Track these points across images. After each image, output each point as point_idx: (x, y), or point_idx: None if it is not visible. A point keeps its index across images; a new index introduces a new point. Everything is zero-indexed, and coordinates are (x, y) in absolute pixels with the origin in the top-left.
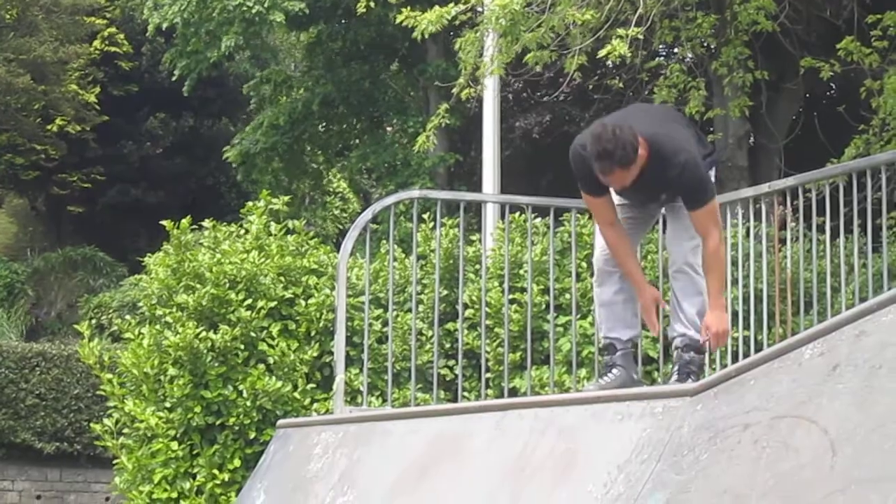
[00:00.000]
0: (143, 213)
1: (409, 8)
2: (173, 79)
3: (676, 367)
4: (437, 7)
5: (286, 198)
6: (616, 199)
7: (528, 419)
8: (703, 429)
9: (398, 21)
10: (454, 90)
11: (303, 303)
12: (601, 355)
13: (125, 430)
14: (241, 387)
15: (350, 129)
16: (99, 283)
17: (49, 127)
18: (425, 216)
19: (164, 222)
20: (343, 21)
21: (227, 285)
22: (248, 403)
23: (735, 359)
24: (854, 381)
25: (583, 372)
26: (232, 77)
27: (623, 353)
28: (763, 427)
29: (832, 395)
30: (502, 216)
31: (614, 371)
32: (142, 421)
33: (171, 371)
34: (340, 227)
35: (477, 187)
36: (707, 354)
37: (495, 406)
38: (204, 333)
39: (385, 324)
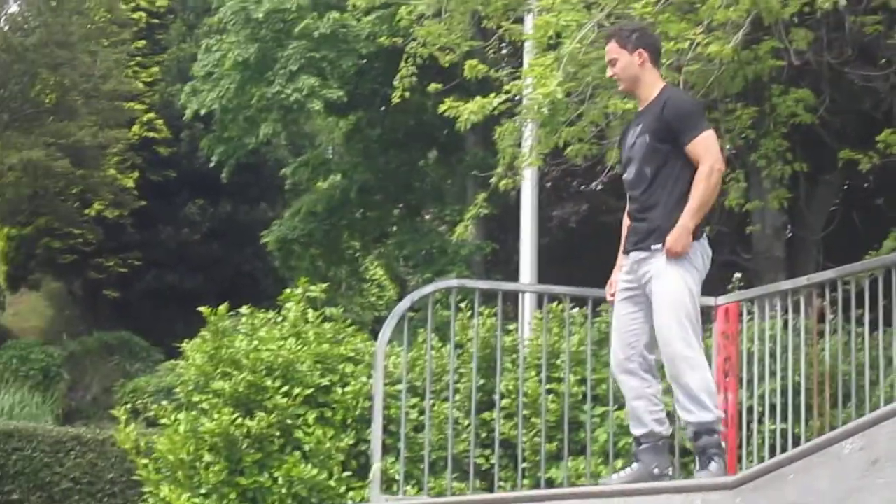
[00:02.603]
0: (180, 298)
1: (451, 98)
2: (211, 164)
3: (697, 458)
4: (478, 98)
5: (324, 285)
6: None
7: None
8: None
9: (441, 111)
10: (492, 180)
11: (339, 390)
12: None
13: None
14: (276, 474)
15: (387, 216)
16: (135, 367)
17: (87, 211)
18: (462, 305)
19: (201, 308)
20: (381, 109)
21: (264, 372)
22: (284, 491)
23: (773, 452)
24: (894, 475)
25: (619, 463)
26: (269, 163)
27: (644, 448)
28: None
29: (872, 489)
30: (539, 306)
31: (633, 465)
32: None
33: (207, 457)
34: (377, 313)
35: (514, 276)
36: (744, 446)
37: (533, 497)
38: (240, 420)
39: (422, 412)
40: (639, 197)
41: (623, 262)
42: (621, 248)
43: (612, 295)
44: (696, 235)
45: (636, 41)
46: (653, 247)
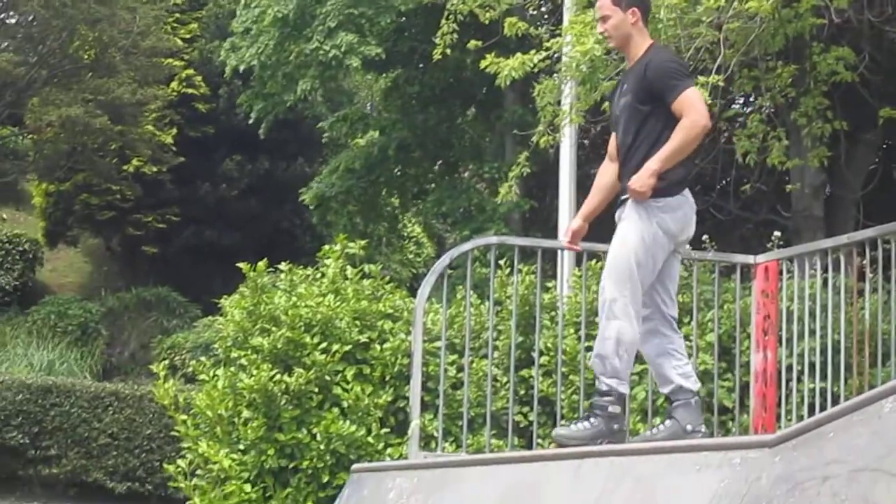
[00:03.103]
0: (218, 255)
1: (492, 54)
2: (250, 121)
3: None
4: (518, 55)
5: (363, 242)
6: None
7: (605, 468)
8: (781, 481)
9: (482, 67)
10: (533, 138)
11: (378, 347)
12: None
13: (198, 472)
14: (314, 430)
15: (425, 173)
16: (172, 323)
17: (125, 167)
18: (501, 262)
19: (240, 264)
20: (420, 66)
21: (303, 328)
22: (322, 447)
23: (812, 411)
24: None
25: (657, 420)
26: (307, 119)
27: (676, 405)
28: (842, 480)
29: None
30: (578, 263)
31: (666, 422)
32: (215, 463)
33: (245, 413)
34: (414, 271)
35: (552, 234)
36: (783, 404)
37: (572, 454)
38: (278, 376)
39: (460, 370)
40: (623, 157)
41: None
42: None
43: (569, 242)
44: (671, 192)
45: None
46: (622, 197)
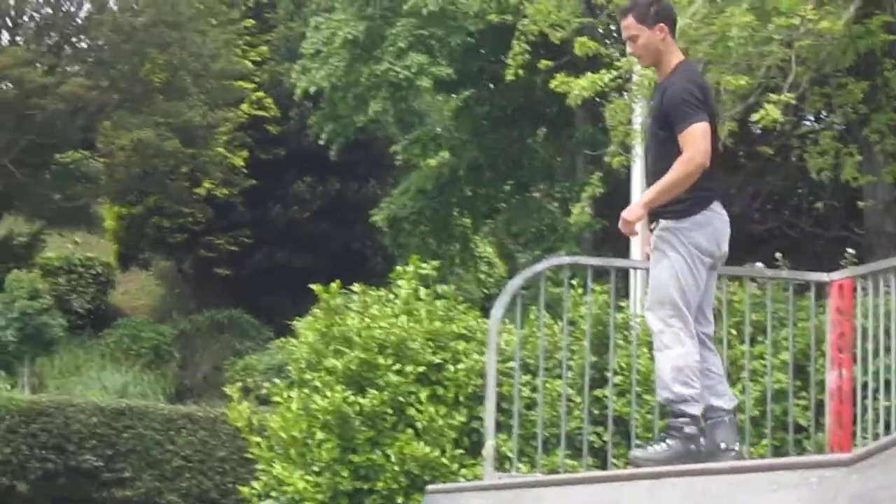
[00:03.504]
0: (289, 276)
1: (562, 73)
2: (320, 142)
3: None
4: (589, 74)
5: (435, 262)
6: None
7: (681, 488)
8: (858, 499)
9: (551, 87)
10: (606, 158)
11: (451, 368)
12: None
13: (272, 494)
14: (389, 451)
15: (496, 193)
16: (245, 345)
17: (196, 190)
18: (574, 282)
19: (313, 286)
20: (490, 86)
21: (376, 350)
22: (396, 468)
23: (888, 429)
24: None
25: None
26: (378, 140)
27: (710, 423)
28: None
29: None
30: None
31: (701, 441)
32: (290, 485)
33: (320, 435)
34: (486, 291)
35: (623, 253)
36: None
37: (647, 474)
38: (352, 397)
39: (534, 390)
40: (647, 180)
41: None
42: None
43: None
44: (694, 210)
45: (655, 15)
46: (651, 226)
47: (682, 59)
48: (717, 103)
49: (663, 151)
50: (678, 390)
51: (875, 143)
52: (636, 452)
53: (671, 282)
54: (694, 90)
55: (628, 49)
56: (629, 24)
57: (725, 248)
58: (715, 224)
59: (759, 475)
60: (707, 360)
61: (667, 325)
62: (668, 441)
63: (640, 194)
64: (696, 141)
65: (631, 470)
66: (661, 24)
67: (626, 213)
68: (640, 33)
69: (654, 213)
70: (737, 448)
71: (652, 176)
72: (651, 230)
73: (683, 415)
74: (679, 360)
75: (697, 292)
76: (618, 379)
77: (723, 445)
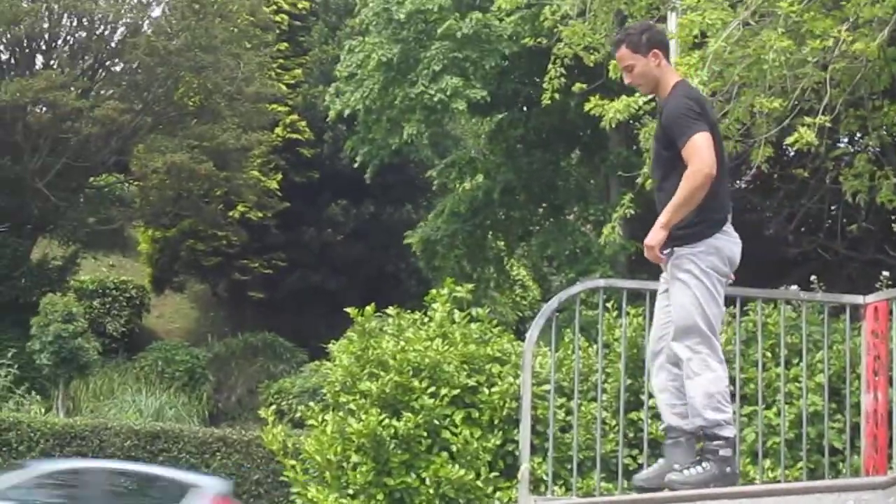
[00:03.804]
0: (323, 299)
1: (596, 96)
2: (355, 165)
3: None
4: (623, 97)
5: (470, 286)
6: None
7: None
8: None
9: (586, 110)
10: (638, 180)
11: (486, 391)
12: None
13: None
14: (424, 474)
15: (531, 216)
16: (279, 368)
17: (231, 213)
18: (609, 305)
19: (348, 309)
20: (524, 108)
21: (411, 373)
22: (431, 491)
23: None
24: None
25: (767, 462)
26: (413, 163)
27: (668, 443)
28: None
29: None
30: None
31: (659, 461)
32: None
33: (354, 458)
34: (520, 314)
35: (657, 275)
36: (895, 445)
37: (685, 497)
38: (387, 421)
39: (569, 413)
40: (657, 202)
41: None
42: None
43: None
44: (706, 234)
45: (648, 42)
46: (664, 252)
47: (679, 79)
48: (753, 126)
49: (671, 172)
50: (710, 416)
51: None
52: (672, 476)
53: (694, 309)
54: (691, 104)
55: (625, 80)
56: (623, 54)
57: (736, 264)
58: (729, 245)
59: (797, 498)
60: (677, 380)
61: (694, 353)
62: (703, 464)
63: None
64: (699, 151)
65: (668, 493)
66: (655, 51)
67: (648, 240)
68: (635, 62)
69: (668, 241)
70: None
71: (661, 198)
72: (664, 257)
73: (717, 437)
74: (710, 387)
75: (720, 313)
76: (653, 402)
77: (677, 467)
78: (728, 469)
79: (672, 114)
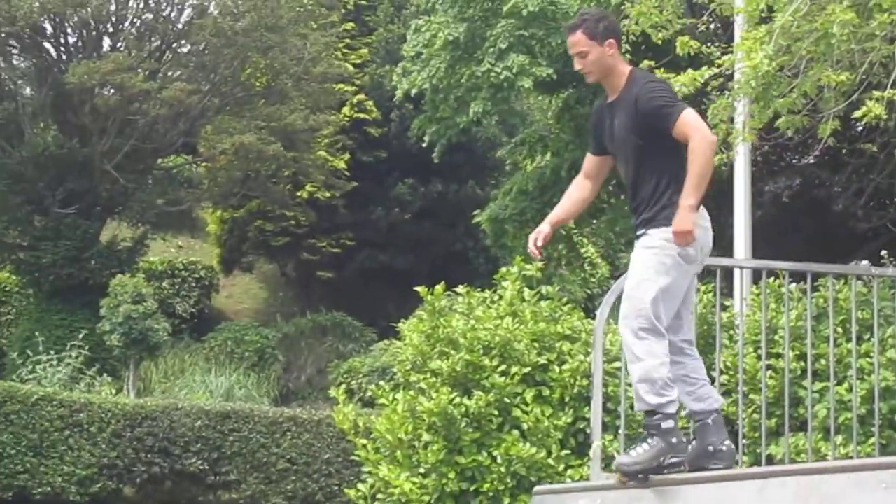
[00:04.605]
0: (392, 278)
1: (661, 71)
2: (423, 144)
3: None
4: (689, 70)
5: (539, 263)
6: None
7: (791, 487)
8: None
9: None
10: None
11: (557, 369)
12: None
13: (379, 496)
14: (495, 453)
15: (599, 193)
16: (348, 348)
17: (299, 193)
18: None
19: (417, 288)
20: (591, 86)
21: (481, 351)
22: (503, 469)
23: None
24: None
25: (839, 439)
26: (480, 142)
27: (697, 426)
28: None
29: None
30: (755, 281)
31: (692, 443)
32: (396, 487)
33: (426, 437)
34: (588, 291)
35: (725, 251)
36: None
37: (756, 474)
38: (458, 399)
39: None
40: (630, 191)
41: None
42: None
43: (536, 247)
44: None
45: (604, 31)
46: (638, 232)
47: (630, 68)
48: (820, 101)
49: (648, 159)
50: (653, 400)
51: None
52: (621, 459)
53: (644, 294)
54: (662, 85)
55: (576, 66)
56: (578, 40)
57: (708, 250)
58: (700, 232)
59: (869, 473)
60: (686, 367)
61: (638, 338)
62: (648, 440)
63: (743, 191)
64: (696, 122)
65: (740, 470)
66: (611, 40)
67: (679, 226)
68: (590, 49)
69: (643, 222)
70: (724, 448)
71: (639, 184)
72: (638, 237)
73: (657, 411)
74: (652, 372)
75: (676, 303)
76: (724, 378)
77: (710, 448)
78: (674, 440)
79: (651, 102)
